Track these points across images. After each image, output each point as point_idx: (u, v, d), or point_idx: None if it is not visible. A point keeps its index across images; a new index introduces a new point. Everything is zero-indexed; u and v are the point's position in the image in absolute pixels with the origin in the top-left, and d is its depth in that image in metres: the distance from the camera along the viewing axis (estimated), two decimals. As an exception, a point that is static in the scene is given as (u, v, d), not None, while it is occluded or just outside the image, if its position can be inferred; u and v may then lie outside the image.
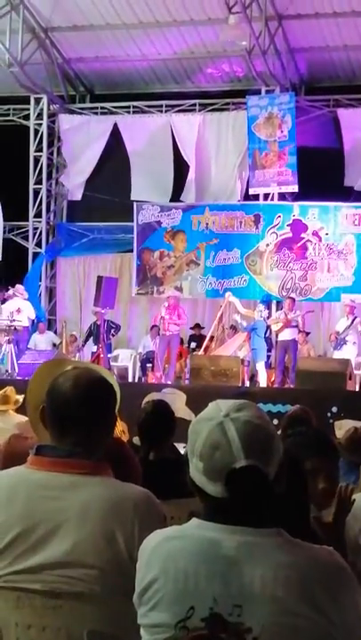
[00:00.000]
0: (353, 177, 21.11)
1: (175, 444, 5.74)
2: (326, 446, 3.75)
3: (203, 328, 21.34)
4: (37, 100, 23.44)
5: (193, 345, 20.44)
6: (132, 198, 22.55)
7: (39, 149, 23.57)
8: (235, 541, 2.24)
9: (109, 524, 2.79)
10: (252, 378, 18.70)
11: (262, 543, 2.24)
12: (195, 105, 22.82)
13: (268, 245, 21.14)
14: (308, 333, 19.78)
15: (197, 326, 21.34)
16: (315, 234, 20.77)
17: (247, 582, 2.19)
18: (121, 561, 2.73)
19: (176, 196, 22.63)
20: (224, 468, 2.24)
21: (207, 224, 21.74)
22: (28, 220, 23.55)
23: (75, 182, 23.79)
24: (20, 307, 19.81)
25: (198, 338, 20.88)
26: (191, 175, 22.48)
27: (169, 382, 18.00)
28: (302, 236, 20.85)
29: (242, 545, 2.23)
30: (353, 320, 18.44)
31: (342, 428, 8.99)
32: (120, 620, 2.56)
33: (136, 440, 5.67)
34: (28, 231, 23.63)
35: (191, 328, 21.02)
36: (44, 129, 23.48)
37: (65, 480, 2.87)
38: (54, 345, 21.03)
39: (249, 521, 2.25)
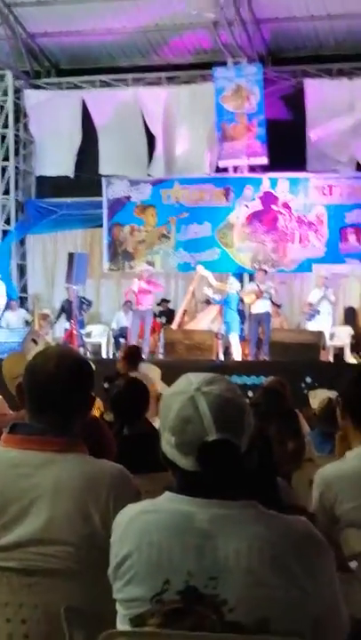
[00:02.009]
0: (316, 148, 21.04)
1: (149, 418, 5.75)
2: (284, 410, 3.77)
3: (169, 302, 21.32)
4: (2, 77, 23.23)
5: (163, 320, 20.46)
6: (100, 172, 22.41)
7: (5, 126, 23.39)
8: (208, 514, 2.24)
9: (84, 500, 2.80)
10: (226, 351, 18.72)
11: (236, 515, 2.25)
12: (161, 78, 22.69)
13: (238, 218, 21.11)
14: (279, 306, 19.80)
15: (164, 301, 21.32)
16: (285, 205, 20.76)
17: (222, 555, 2.20)
18: (96, 537, 2.74)
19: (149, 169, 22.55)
20: (196, 441, 2.24)
21: (177, 198, 21.68)
22: (-4, 198, 23.45)
23: (42, 158, 23.62)
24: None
25: (167, 312, 20.87)
26: (159, 149, 22.35)
27: (143, 357, 17.98)
28: (273, 207, 20.84)
29: (215, 518, 2.24)
30: (325, 291, 18.48)
31: (316, 398, 9.06)
32: (97, 595, 2.56)
33: (109, 417, 5.68)
34: (-4, 209, 23.52)
35: (158, 304, 20.95)
36: (9, 105, 23.29)
37: (38, 457, 2.87)
38: (26, 322, 20.96)
39: (222, 494, 2.26)
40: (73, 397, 2.97)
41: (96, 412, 7.39)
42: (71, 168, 22.79)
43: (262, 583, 2.18)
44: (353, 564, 3.51)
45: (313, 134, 20.84)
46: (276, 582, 2.18)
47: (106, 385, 5.96)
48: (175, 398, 2.32)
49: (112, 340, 20.63)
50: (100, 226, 22.31)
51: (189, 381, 2.34)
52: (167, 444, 2.32)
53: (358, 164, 20.99)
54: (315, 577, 2.22)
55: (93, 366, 3.21)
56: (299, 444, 3.80)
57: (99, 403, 9.09)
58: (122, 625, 2.30)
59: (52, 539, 2.76)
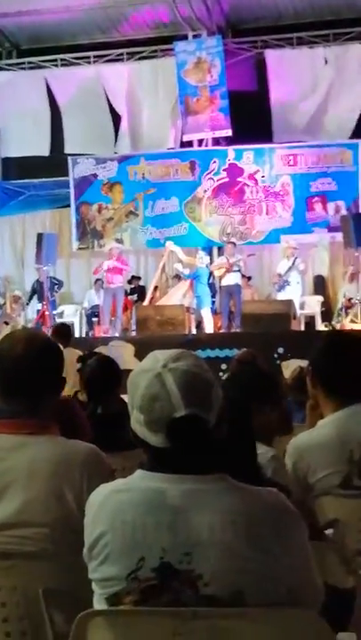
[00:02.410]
0: (279, 118, 21.05)
1: (123, 397, 5.75)
2: (269, 382, 3.77)
3: (140, 279, 21.31)
4: None
5: (135, 297, 20.46)
6: (65, 152, 22.30)
7: (-32, 108, 23.26)
8: (179, 490, 2.26)
9: (57, 481, 2.81)
10: (198, 325, 18.75)
11: (207, 489, 2.26)
12: (122, 54, 22.58)
13: (205, 192, 21.08)
14: (249, 278, 19.82)
15: (135, 278, 21.29)
16: (251, 177, 20.74)
17: (195, 529, 2.22)
18: (71, 518, 2.75)
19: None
20: (164, 418, 2.25)
21: (143, 174, 21.61)
22: None
23: (7, 139, 23.49)
24: None
25: (138, 289, 20.86)
26: (124, 125, 22.27)
27: (116, 335, 18.00)
28: (239, 179, 20.81)
29: (187, 493, 2.25)
30: (294, 261, 18.50)
31: (289, 367, 9.10)
32: (74, 576, 2.57)
33: (82, 396, 5.68)
34: None
35: (129, 282, 20.92)
36: (-29, 88, 23.16)
37: (11, 441, 2.87)
38: (-2, 306, 20.89)
39: (192, 469, 2.27)
40: (42, 379, 2.97)
41: (69, 392, 7.40)
42: (46, 147, 22.66)
43: (236, 556, 2.19)
44: (328, 532, 3.54)
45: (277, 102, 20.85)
46: (250, 554, 2.20)
47: (78, 365, 5.95)
48: (142, 376, 2.33)
49: (84, 319, 20.59)
50: (68, 205, 22.20)
51: (156, 359, 2.35)
52: (136, 423, 2.32)
53: (322, 131, 20.99)
54: (288, 548, 2.24)
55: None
56: (281, 414, 3.82)
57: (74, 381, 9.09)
58: (99, 604, 2.31)
59: (27, 521, 2.77)
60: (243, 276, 18.67)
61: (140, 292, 20.67)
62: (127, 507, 2.29)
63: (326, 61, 20.99)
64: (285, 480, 3.56)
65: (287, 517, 2.29)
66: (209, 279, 18.91)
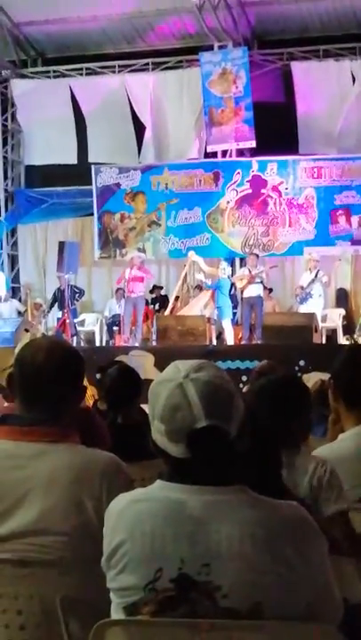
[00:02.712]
0: (305, 130, 21.05)
1: (143, 406, 5.75)
2: (295, 387, 3.74)
3: (162, 288, 21.33)
4: (-12, 67, 23.23)
5: (157, 306, 20.47)
6: (89, 160, 22.37)
7: (-7, 116, 23.42)
8: (199, 501, 2.25)
9: (77, 490, 2.81)
10: (219, 336, 18.73)
11: (227, 501, 2.25)
12: (148, 64, 22.64)
13: (228, 202, 21.09)
14: (270, 290, 19.80)
15: (156, 288, 21.32)
16: (274, 189, 20.74)
17: (214, 541, 2.21)
18: (90, 526, 2.74)
19: (139, 156, 22.50)
20: (185, 428, 2.25)
21: (167, 184, 21.65)
22: (-15, 189, 23.42)
23: (32, 148, 23.59)
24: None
25: (160, 299, 20.87)
26: (148, 135, 22.34)
27: (136, 344, 17.99)
28: (262, 191, 20.81)
29: (207, 504, 2.24)
30: (317, 273, 18.47)
31: (310, 381, 9.05)
32: (92, 584, 2.57)
33: (102, 405, 5.68)
34: (-15, 199, 23.49)
35: (150, 292, 20.96)
36: (-4, 95, 23.33)
37: (31, 448, 2.87)
38: (19, 313, 20.92)
39: (212, 480, 2.26)
40: (63, 388, 2.97)
41: (90, 401, 7.40)
42: (73, 155, 22.73)
43: (255, 568, 2.18)
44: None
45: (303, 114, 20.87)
46: (269, 567, 2.19)
47: (98, 376, 5.95)
48: (164, 386, 2.33)
49: (105, 328, 20.62)
50: (91, 214, 22.27)
51: (177, 369, 2.35)
52: (157, 432, 2.32)
53: (347, 145, 20.97)
54: (307, 561, 2.23)
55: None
56: (303, 427, 3.81)
57: (93, 391, 9.09)
58: (116, 614, 2.31)
59: (46, 529, 2.76)
60: (265, 287, 18.65)
61: (162, 301, 20.69)
62: (146, 517, 2.28)
63: (353, 74, 20.95)
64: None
65: (307, 530, 2.28)
66: (230, 290, 18.89)
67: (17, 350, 3.20)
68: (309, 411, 3.77)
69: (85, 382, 3.21)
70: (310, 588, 2.24)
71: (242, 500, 2.27)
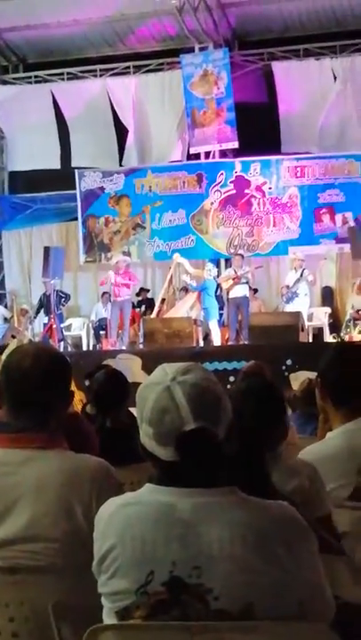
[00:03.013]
0: (287, 130, 21.10)
1: (131, 410, 5.74)
2: (270, 392, 3.74)
3: (148, 291, 21.33)
4: (-31, 74, 23.22)
5: (142, 309, 20.47)
6: (73, 165, 22.34)
7: (-26, 122, 23.36)
8: (189, 503, 2.25)
9: (66, 495, 2.81)
10: (206, 337, 18.74)
11: (216, 503, 2.25)
12: (129, 67, 22.64)
13: (212, 204, 21.10)
14: (256, 290, 19.82)
15: (143, 290, 21.32)
16: (258, 189, 20.75)
17: (205, 543, 2.21)
18: (80, 532, 2.74)
19: (120, 160, 22.48)
20: (174, 431, 2.25)
21: (150, 186, 21.64)
22: (-32, 195, 23.39)
23: (14, 153, 23.56)
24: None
25: (147, 302, 20.87)
26: (131, 139, 22.33)
27: (123, 348, 17.99)
28: (246, 191, 20.83)
29: (196, 506, 2.24)
30: (302, 272, 18.49)
31: (298, 379, 9.10)
32: (84, 590, 2.57)
33: (90, 409, 5.68)
34: (-31, 206, 23.45)
35: (137, 294, 20.97)
36: (-23, 102, 23.25)
37: (19, 455, 2.87)
38: (5, 319, 20.90)
39: (202, 482, 2.26)
40: (51, 394, 2.97)
41: (78, 405, 7.39)
42: (56, 160, 22.71)
43: (246, 569, 2.18)
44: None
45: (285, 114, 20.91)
46: (260, 567, 2.19)
47: (87, 382, 5.95)
48: (151, 389, 2.33)
49: (92, 332, 20.60)
50: (75, 219, 22.25)
51: (164, 372, 2.35)
52: (145, 436, 2.32)
53: (329, 143, 21.00)
54: (298, 561, 2.23)
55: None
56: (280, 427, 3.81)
57: (81, 395, 9.07)
58: (108, 619, 2.30)
59: (36, 536, 2.76)
60: (250, 288, 18.66)
61: (148, 304, 20.68)
62: (136, 520, 2.28)
63: (333, 73, 21.00)
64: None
65: (297, 530, 2.28)
66: (216, 291, 18.91)
67: (3, 357, 3.18)
68: (283, 417, 3.77)
69: (73, 387, 3.21)
70: (302, 588, 2.24)
71: (231, 501, 2.27)
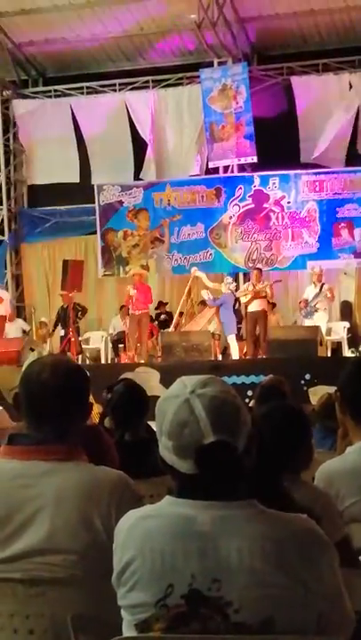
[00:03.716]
0: (307, 143, 21.12)
1: (150, 423, 5.74)
2: (295, 420, 3.74)
3: (167, 304, 21.34)
4: (-11, 88, 23.35)
5: (161, 323, 20.48)
6: (93, 182, 22.40)
7: (-5, 137, 23.49)
8: (209, 516, 2.24)
9: (86, 508, 2.80)
10: (225, 351, 18.74)
11: (236, 516, 2.25)
12: (148, 82, 22.72)
13: (231, 218, 21.12)
14: (274, 305, 19.79)
15: (162, 304, 21.34)
16: (277, 203, 20.77)
17: (224, 556, 2.20)
18: (100, 544, 2.74)
19: (136, 174, 22.55)
20: (193, 444, 2.25)
21: (169, 200, 21.69)
22: (-12, 209, 23.49)
23: (34, 167, 23.67)
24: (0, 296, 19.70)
25: (165, 315, 20.88)
26: (150, 152, 22.39)
27: (142, 361, 18.00)
28: (265, 206, 20.84)
29: (216, 519, 2.24)
30: (321, 287, 18.48)
31: (317, 394, 9.07)
32: (103, 602, 2.57)
33: (108, 423, 5.67)
34: (-11, 220, 23.56)
35: (156, 308, 21.00)
36: (-3, 115, 23.40)
37: (39, 467, 2.87)
38: (24, 332, 20.94)
39: (221, 495, 2.26)
40: (70, 405, 2.97)
41: (96, 418, 7.39)
42: (76, 174, 22.80)
43: (266, 582, 2.18)
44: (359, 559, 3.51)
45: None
46: (280, 581, 2.18)
47: (108, 395, 5.94)
48: (170, 402, 2.33)
49: (110, 346, 20.62)
50: (94, 232, 22.31)
51: (183, 385, 2.34)
52: (165, 449, 2.32)
53: (348, 158, 21.00)
54: (318, 574, 2.23)
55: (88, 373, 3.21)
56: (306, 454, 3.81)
57: (99, 408, 9.07)
58: (128, 631, 2.30)
59: (55, 548, 2.76)
60: (268, 302, 18.65)
61: (167, 318, 20.69)
62: (156, 533, 2.28)
63: (351, 87, 21.00)
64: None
65: (317, 543, 2.27)
66: (235, 305, 18.90)
67: (23, 369, 3.19)
68: (310, 440, 3.78)
69: (91, 399, 3.21)
70: (322, 601, 2.23)
71: (251, 514, 2.26)
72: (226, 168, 21.50)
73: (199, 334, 17.93)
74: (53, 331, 20.75)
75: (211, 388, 2.32)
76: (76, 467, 2.90)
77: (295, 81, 21.41)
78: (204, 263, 20.83)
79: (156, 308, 21.06)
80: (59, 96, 23.47)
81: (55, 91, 23.54)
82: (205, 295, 19.24)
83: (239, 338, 18.76)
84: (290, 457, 3.46)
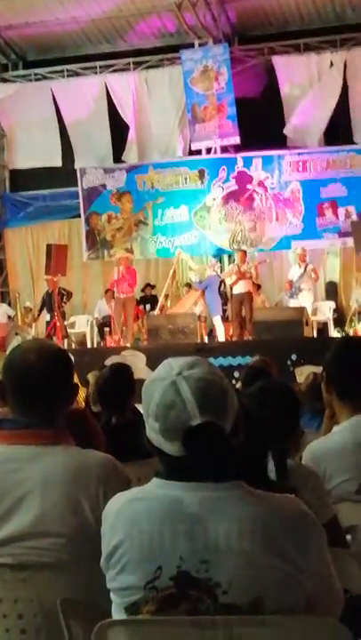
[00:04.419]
0: (289, 124, 21.09)
1: (137, 405, 5.75)
2: (289, 398, 3.74)
3: (154, 287, 21.31)
4: (-31, 72, 23.22)
5: (147, 306, 20.46)
6: (75, 166, 22.31)
7: (-25, 121, 23.36)
8: (196, 498, 2.25)
9: (73, 491, 2.80)
10: (210, 333, 18.74)
11: (224, 497, 2.25)
12: (129, 64, 22.62)
13: (214, 199, 21.08)
14: (259, 286, 19.77)
15: (148, 286, 21.32)
16: (260, 184, 20.73)
17: (212, 537, 2.20)
18: (88, 528, 2.74)
19: (118, 157, 22.48)
20: (180, 426, 2.24)
21: (152, 183, 21.63)
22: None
23: (16, 151, 23.56)
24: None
25: (151, 298, 20.86)
26: (132, 135, 22.31)
27: (128, 345, 17.99)
28: (248, 187, 20.81)
29: (204, 501, 2.24)
30: (305, 267, 18.50)
31: (303, 374, 9.08)
32: (92, 585, 2.57)
33: (97, 408, 5.67)
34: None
35: (142, 290, 20.98)
36: (-22, 100, 23.26)
37: (25, 451, 2.87)
38: (9, 317, 20.89)
39: (209, 476, 2.26)
40: (56, 387, 2.97)
41: (82, 402, 7.39)
42: (58, 158, 22.73)
43: (254, 563, 2.18)
44: (347, 538, 3.52)
45: (293, 119, 20.89)
46: (268, 561, 2.19)
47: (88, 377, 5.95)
48: (157, 384, 2.32)
49: (96, 330, 20.60)
50: (78, 216, 22.23)
51: (170, 367, 2.34)
52: (152, 431, 2.31)
53: (330, 137, 20.97)
54: (307, 554, 2.23)
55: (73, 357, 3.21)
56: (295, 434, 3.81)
57: (84, 392, 9.07)
58: (117, 614, 2.30)
59: (43, 532, 2.76)
60: (253, 283, 18.65)
61: (152, 301, 20.67)
62: (144, 515, 2.28)
63: (332, 65, 20.96)
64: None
65: (305, 524, 2.28)
66: (220, 287, 18.90)
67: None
68: (299, 419, 3.79)
69: (77, 381, 3.21)
70: (310, 581, 2.24)
71: (239, 495, 2.26)
72: (209, 149, 21.44)
73: (185, 316, 17.94)
74: (38, 315, 20.72)
75: (197, 369, 2.31)
76: (63, 450, 2.90)
77: (277, 61, 21.33)
78: (188, 245, 20.81)
79: (142, 290, 21.03)
80: (39, 79, 23.34)
81: (35, 74, 23.40)
82: (193, 278, 19.24)
83: (225, 319, 18.77)
84: (281, 436, 3.46)
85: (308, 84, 21.08)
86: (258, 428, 2.95)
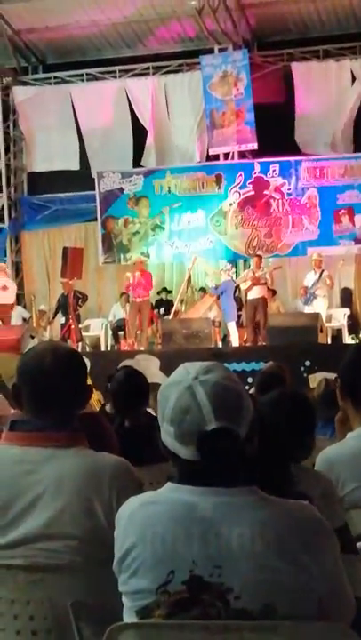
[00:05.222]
0: (303, 130, 21.08)
1: (149, 410, 5.75)
2: (303, 408, 3.74)
3: (170, 292, 21.32)
4: (-11, 74, 23.29)
5: (162, 310, 20.47)
6: (92, 169, 22.36)
7: (-5, 123, 23.45)
8: (210, 503, 2.24)
9: (86, 493, 2.80)
10: (225, 338, 18.74)
11: (237, 502, 2.25)
12: (148, 68, 22.66)
13: (231, 205, 21.11)
14: (274, 292, 19.77)
15: (165, 290, 21.33)
16: (277, 190, 20.74)
17: (225, 542, 2.20)
18: (100, 530, 2.74)
19: (136, 161, 22.52)
20: (195, 431, 2.24)
21: (169, 188, 21.67)
22: (-12, 196, 23.47)
23: (34, 154, 23.63)
24: (4, 284, 19.70)
25: (166, 302, 20.87)
26: (150, 139, 22.36)
27: (142, 348, 18.01)
28: (265, 192, 20.83)
29: (217, 505, 2.24)
30: (321, 273, 18.48)
31: (317, 381, 9.06)
32: (103, 588, 2.57)
33: (109, 408, 5.68)
34: (-12, 207, 23.54)
35: (158, 293, 21.01)
36: (-3, 102, 23.36)
37: (40, 453, 2.87)
38: (24, 320, 20.92)
39: (223, 481, 2.26)
40: (70, 390, 2.97)
41: (96, 405, 7.40)
42: (76, 161, 22.78)
43: (267, 568, 2.18)
44: (359, 545, 3.51)
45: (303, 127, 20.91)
46: (281, 567, 2.18)
47: (108, 384, 5.96)
48: (173, 388, 2.32)
49: (110, 333, 20.62)
50: (95, 219, 22.28)
51: (186, 371, 2.34)
52: (167, 435, 2.32)
53: (348, 144, 20.97)
54: (319, 560, 2.23)
55: (88, 361, 3.22)
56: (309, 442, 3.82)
57: (99, 395, 9.07)
58: (128, 617, 2.30)
59: (56, 534, 2.76)
60: (268, 289, 18.64)
61: (167, 305, 20.68)
62: (157, 519, 2.28)
63: (353, 74, 20.95)
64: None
65: (318, 530, 2.28)
66: (235, 292, 18.89)
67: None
68: (314, 428, 3.79)
69: (90, 383, 3.21)
70: (322, 587, 2.23)
71: (253, 500, 2.26)
72: (226, 155, 21.48)
73: (199, 321, 17.94)
74: (54, 318, 20.75)
75: (213, 374, 2.31)
76: (77, 453, 2.90)
77: (296, 67, 21.35)
78: (204, 250, 20.84)
79: (159, 293, 21.06)
80: (59, 83, 23.42)
81: (55, 77, 23.49)
82: (209, 283, 19.25)
83: (239, 325, 18.77)
84: (295, 445, 3.46)
85: (326, 90, 21.04)
86: (273, 435, 2.96)
